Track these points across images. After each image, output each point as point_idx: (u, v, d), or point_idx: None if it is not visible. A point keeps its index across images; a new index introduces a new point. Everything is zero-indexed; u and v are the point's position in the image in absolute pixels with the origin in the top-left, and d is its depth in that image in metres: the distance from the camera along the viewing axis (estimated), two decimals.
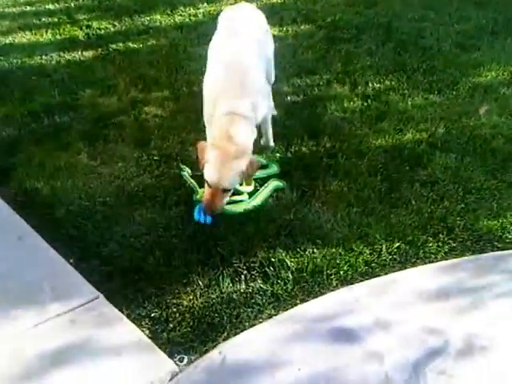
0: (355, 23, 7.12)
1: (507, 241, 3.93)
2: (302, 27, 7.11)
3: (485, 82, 5.89)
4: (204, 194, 3.79)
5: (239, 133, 3.80)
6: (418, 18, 7.26)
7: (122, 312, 3.40)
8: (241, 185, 4.07)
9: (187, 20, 7.43)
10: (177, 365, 3.12)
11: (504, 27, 7.00)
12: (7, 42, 6.95)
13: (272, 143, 4.52)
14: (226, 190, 3.72)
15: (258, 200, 4.07)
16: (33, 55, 6.58)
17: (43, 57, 6.55)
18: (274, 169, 4.37)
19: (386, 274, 3.67)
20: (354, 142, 4.91)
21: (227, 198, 3.79)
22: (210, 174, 3.69)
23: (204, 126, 4.27)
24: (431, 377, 2.97)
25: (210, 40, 4.46)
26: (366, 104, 5.52)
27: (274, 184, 4.19)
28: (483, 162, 4.67)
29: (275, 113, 4.58)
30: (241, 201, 4.08)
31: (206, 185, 3.73)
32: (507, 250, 3.83)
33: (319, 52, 6.50)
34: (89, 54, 6.65)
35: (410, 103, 5.54)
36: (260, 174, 4.21)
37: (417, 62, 6.26)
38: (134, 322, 3.35)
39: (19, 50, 6.74)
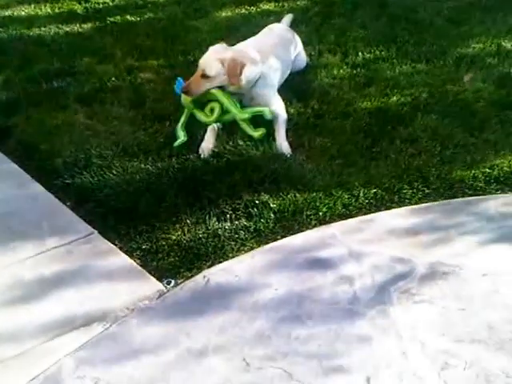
0: None
1: (477, 189, 4.14)
2: (298, 2, 7.29)
3: (472, 53, 6.05)
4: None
5: (244, 53, 4.40)
6: None
7: (115, 245, 3.64)
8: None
9: None
10: (164, 287, 3.38)
11: (496, 3, 7.15)
12: (6, 14, 7.18)
13: (284, 148, 4.46)
14: (204, 76, 4.26)
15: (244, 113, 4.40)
16: (31, 27, 6.80)
17: (42, 28, 6.77)
18: (266, 114, 4.44)
19: (363, 215, 3.84)
20: (341, 105, 5.09)
21: (206, 87, 4.35)
22: (202, 58, 4.36)
23: None
24: (395, 295, 3.20)
25: (207, 14, 4.69)
26: (355, 71, 5.70)
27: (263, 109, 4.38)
28: (462, 122, 4.84)
29: (285, 116, 4.77)
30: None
31: None
32: (477, 196, 4.01)
33: (313, 25, 6.66)
34: (87, 26, 6.87)
35: (397, 71, 5.71)
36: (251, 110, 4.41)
37: (408, 35, 6.41)
38: (126, 254, 3.59)
39: (18, 22, 6.95)
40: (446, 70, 5.72)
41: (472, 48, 6.16)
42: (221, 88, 4.38)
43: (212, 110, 4.55)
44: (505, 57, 5.92)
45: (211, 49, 4.37)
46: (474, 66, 5.78)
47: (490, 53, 6.05)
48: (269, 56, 4.76)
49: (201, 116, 4.41)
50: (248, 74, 4.34)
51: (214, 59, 4.26)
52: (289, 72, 5.21)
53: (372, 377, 2.78)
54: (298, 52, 5.43)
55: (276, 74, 4.86)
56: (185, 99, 4.41)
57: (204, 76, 4.34)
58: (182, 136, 4.36)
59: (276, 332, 3.03)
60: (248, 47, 4.69)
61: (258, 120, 4.53)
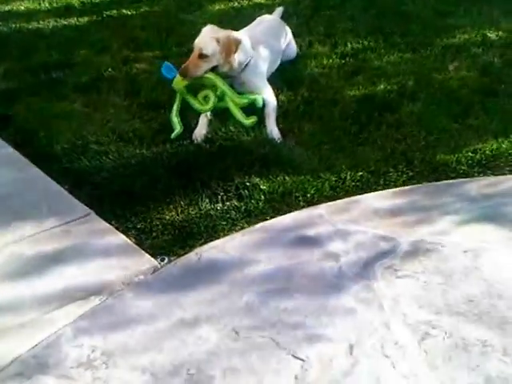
0: None
1: (460, 172, 4.28)
2: None
3: (458, 43, 6.22)
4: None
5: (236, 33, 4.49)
6: None
7: (112, 225, 3.80)
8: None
9: None
10: (158, 263, 3.54)
11: None
12: (6, 9, 7.39)
13: (275, 134, 4.58)
14: (202, 56, 4.29)
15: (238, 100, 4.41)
16: (30, 21, 7.00)
17: (40, 22, 6.98)
18: (259, 102, 4.53)
19: (349, 197, 4.00)
20: (330, 93, 5.26)
21: (204, 68, 4.38)
22: (197, 38, 4.41)
23: None
24: (378, 270, 3.35)
25: (200, 7, 4.88)
26: (343, 61, 5.87)
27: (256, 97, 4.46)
28: (447, 108, 5.00)
29: (275, 103, 4.90)
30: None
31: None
32: (460, 179, 4.16)
33: (304, 17, 6.83)
34: (84, 19, 7.07)
35: (384, 60, 5.88)
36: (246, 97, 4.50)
37: (395, 26, 6.57)
38: (122, 233, 3.75)
39: (17, 16, 7.15)
40: (431, 60, 5.88)
41: (458, 38, 6.33)
42: (213, 71, 4.41)
43: (206, 98, 4.62)
44: (489, 47, 6.09)
45: (205, 29, 4.43)
46: (459, 55, 5.94)
47: (475, 43, 6.22)
48: (259, 45, 4.92)
49: (195, 103, 4.40)
50: (241, 54, 4.50)
51: (209, 38, 4.31)
52: (279, 61, 5.39)
53: (355, 345, 2.92)
54: (288, 42, 5.58)
55: (265, 63, 5.00)
56: (178, 83, 4.40)
57: (201, 56, 4.32)
58: (177, 126, 4.42)
59: (264, 304, 3.18)
60: (239, 33, 4.81)
61: (249, 108, 4.70)
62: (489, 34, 6.37)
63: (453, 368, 2.79)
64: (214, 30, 4.43)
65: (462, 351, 2.88)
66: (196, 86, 4.62)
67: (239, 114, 4.62)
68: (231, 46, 4.36)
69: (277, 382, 2.77)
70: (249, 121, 4.61)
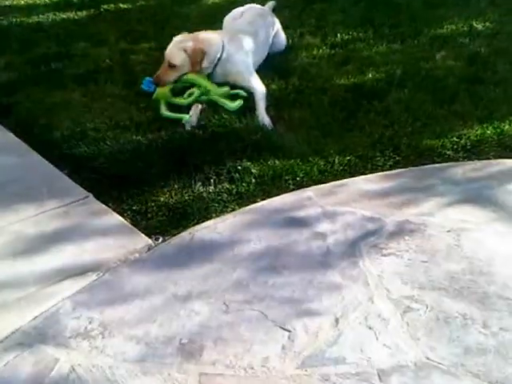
0: None
1: (446, 156, 4.42)
2: None
3: (445, 33, 6.38)
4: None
5: (202, 39, 4.75)
6: None
7: (109, 207, 3.95)
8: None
9: None
10: (153, 242, 3.69)
11: None
12: (6, 4, 7.58)
13: (265, 121, 4.76)
14: (171, 65, 4.59)
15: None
16: (30, 15, 7.19)
17: (40, 16, 7.17)
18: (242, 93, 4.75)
19: (337, 181, 4.14)
20: (320, 81, 5.41)
21: (174, 76, 4.73)
22: (167, 49, 4.67)
23: None
24: (364, 249, 3.48)
25: (195, 0, 5.08)
26: (333, 51, 6.04)
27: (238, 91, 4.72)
28: (434, 96, 5.14)
29: (264, 90, 5.07)
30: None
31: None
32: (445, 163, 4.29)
33: (295, 10, 7.01)
34: (82, 13, 7.27)
35: (373, 51, 6.05)
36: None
37: (385, 18, 6.74)
38: (118, 214, 3.90)
39: (17, 10, 7.34)
40: (419, 49, 6.03)
41: (445, 29, 6.49)
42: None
43: (190, 94, 4.88)
44: (476, 37, 6.24)
45: (174, 40, 4.71)
46: (446, 45, 6.10)
47: (462, 33, 6.38)
48: (243, 35, 5.16)
49: (179, 100, 4.70)
50: (206, 61, 4.79)
51: (177, 49, 4.61)
52: (267, 51, 5.56)
53: (340, 318, 3.05)
54: (276, 33, 5.76)
55: (247, 53, 5.18)
56: (160, 92, 4.78)
57: (171, 66, 4.75)
58: (178, 115, 4.66)
59: (254, 280, 3.32)
60: (208, 32, 4.94)
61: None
62: (476, 25, 6.52)
63: (433, 339, 2.91)
64: (183, 39, 4.70)
65: (442, 324, 3.00)
66: (179, 90, 4.92)
67: (223, 100, 4.81)
68: (197, 57, 4.76)
69: (264, 350, 2.90)
70: (234, 104, 4.80)
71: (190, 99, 4.65)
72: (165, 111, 4.64)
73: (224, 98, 4.62)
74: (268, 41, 5.29)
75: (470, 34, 6.32)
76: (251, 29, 5.04)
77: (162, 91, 4.68)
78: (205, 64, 4.62)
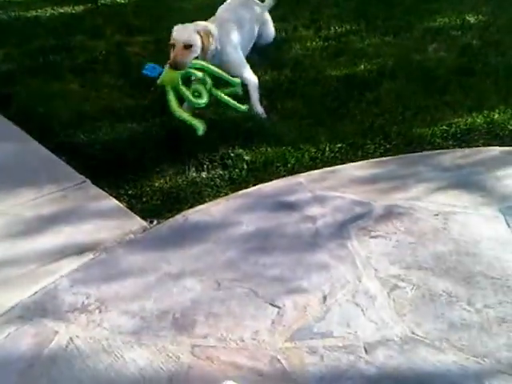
0: None
1: (435, 144, 4.50)
2: None
3: (438, 26, 6.49)
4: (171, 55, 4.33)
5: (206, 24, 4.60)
6: None
7: (105, 191, 4.07)
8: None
9: None
10: (148, 224, 3.80)
11: None
12: None
13: (258, 110, 4.84)
14: (187, 46, 4.40)
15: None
16: (28, 9, 7.31)
17: (38, 10, 7.29)
18: (237, 89, 4.60)
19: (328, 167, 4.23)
20: (312, 73, 5.50)
21: (190, 57, 4.46)
22: (175, 33, 4.48)
23: None
24: (353, 231, 3.58)
25: None
26: (326, 44, 6.14)
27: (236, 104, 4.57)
28: (425, 86, 5.22)
29: (256, 81, 5.07)
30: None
31: (172, 48, 4.42)
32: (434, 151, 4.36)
33: (290, 4, 7.11)
34: (79, 8, 7.41)
35: (366, 43, 6.14)
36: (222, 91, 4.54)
37: (379, 11, 6.85)
38: (114, 198, 4.02)
39: (16, 5, 7.48)
40: (412, 42, 6.12)
41: (438, 22, 6.59)
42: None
43: (196, 93, 4.69)
44: (468, 29, 6.35)
45: (181, 25, 4.62)
46: (439, 37, 6.19)
47: (454, 26, 6.48)
48: (226, 27, 5.14)
49: (189, 96, 4.40)
50: (213, 44, 4.77)
51: (191, 30, 4.51)
52: (252, 42, 5.53)
53: (328, 295, 3.15)
54: (263, 23, 5.78)
55: (237, 45, 5.15)
56: (168, 76, 4.40)
57: (186, 46, 4.43)
58: (195, 122, 4.46)
59: (245, 260, 3.42)
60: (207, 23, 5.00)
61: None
62: (468, 18, 6.63)
63: (419, 315, 3.00)
64: (187, 25, 4.58)
65: (428, 301, 3.09)
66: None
67: (233, 102, 4.73)
68: (208, 39, 4.73)
69: (254, 325, 3.00)
70: (244, 106, 4.74)
71: (203, 101, 4.43)
72: (178, 109, 4.38)
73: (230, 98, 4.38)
74: (253, 32, 5.29)
75: (463, 27, 6.41)
76: (234, 17, 5.00)
77: (171, 76, 4.34)
78: (212, 47, 4.55)
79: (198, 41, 4.65)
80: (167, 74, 4.36)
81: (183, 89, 4.30)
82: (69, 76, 5.61)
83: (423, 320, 2.99)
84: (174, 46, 4.37)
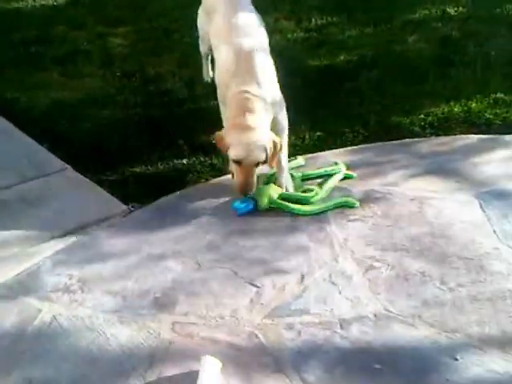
0: None
1: (414, 133, 4.58)
2: None
3: (418, 18, 6.59)
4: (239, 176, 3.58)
5: (254, 108, 3.62)
6: None
7: (87, 177, 4.15)
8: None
9: None
10: (129, 209, 3.89)
11: None
12: None
13: (283, 163, 3.90)
14: (257, 164, 3.57)
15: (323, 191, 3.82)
16: (10, 1, 7.47)
17: (20, 2, 7.42)
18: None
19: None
20: (293, 64, 5.50)
21: (256, 173, 3.63)
22: (237, 152, 3.54)
23: None
24: (331, 215, 3.69)
25: None
26: (307, 35, 6.23)
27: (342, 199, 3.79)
28: (404, 76, 5.30)
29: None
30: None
31: (235, 167, 3.60)
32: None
33: None
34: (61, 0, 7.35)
35: (346, 34, 6.23)
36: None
37: (359, 3, 6.95)
38: (96, 183, 4.09)
39: None
40: (392, 33, 6.21)
41: (418, 14, 6.69)
42: None
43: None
44: (448, 21, 6.44)
45: (242, 138, 3.60)
46: (419, 29, 6.28)
47: (434, 18, 6.57)
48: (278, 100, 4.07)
49: (299, 195, 3.88)
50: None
51: (258, 147, 3.57)
52: None
53: (306, 275, 3.22)
54: None
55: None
56: (265, 200, 3.79)
57: (257, 165, 3.63)
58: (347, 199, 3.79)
59: (225, 242, 3.50)
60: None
61: None
62: (448, 10, 6.72)
63: (393, 294, 3.07)
64: (250, 137, 3.58)
65: (402, 280, 3.16)
66: None
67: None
68: (277, 150, 3.69)
69: (234, 303, 3.07)
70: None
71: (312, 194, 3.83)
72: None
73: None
74: None
75: (443, 19, 6.51)
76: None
77: (266, 196, 3.80)
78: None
79: (266, 157, 3.58)
80: (262, 199, 3.77)
81: (280, 201, 3.78)
82: (50, 67, 5.69)
83: (397, 298, 3.05)
84: (239, 163, 3.56)
